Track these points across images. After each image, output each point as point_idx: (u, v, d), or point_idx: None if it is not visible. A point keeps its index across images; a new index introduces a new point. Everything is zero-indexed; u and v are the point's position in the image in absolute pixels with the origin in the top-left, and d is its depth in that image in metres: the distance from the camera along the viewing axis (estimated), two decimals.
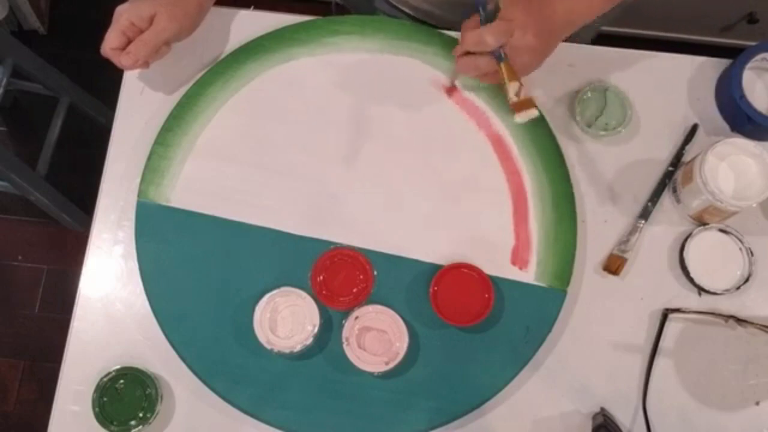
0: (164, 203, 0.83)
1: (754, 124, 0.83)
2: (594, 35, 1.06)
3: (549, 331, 0.79)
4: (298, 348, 0.76)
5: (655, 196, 0.84)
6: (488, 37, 0.73)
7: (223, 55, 0.88)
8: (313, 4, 1.65)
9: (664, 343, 0.80)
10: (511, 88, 0.75)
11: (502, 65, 0.74)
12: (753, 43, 0.85)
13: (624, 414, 0.78)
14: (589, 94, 0.86)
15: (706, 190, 0.77)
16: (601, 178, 0.85)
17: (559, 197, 0.82)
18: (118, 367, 0.77)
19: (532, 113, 0.76)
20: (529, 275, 0.81)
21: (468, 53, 0.76)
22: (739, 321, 0.79)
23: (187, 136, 0.85)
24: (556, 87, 0.87)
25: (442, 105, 0.86)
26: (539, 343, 0.79)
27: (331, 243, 0.82)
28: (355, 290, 0.80)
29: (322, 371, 0.78)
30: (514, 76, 0.75)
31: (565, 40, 0.88)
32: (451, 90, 0.86)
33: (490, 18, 0.74)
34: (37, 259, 1.70)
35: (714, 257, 0.81)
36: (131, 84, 0.88)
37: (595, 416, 0.78)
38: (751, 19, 1.56)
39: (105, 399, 0.76)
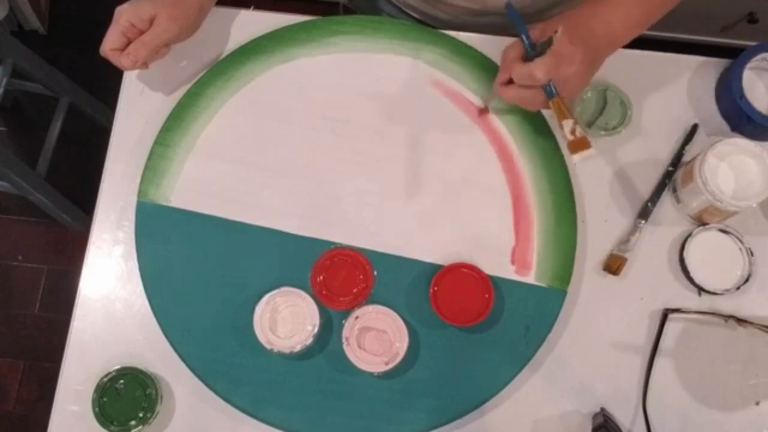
0: (164, 203, 0.83)
1: (754, 124, 0.83)
2: None
3: (549, 331, 0.79)
4: (298, 348, 0.76)
5: (655, 196, 0.84)
6: (539, 73, 0.71)
7: (223, 55, 0.88)
8: (317, 5, 1.65)
9: (664, 343, 0.80)
10: (566, 125, 0.72)
11: (555, 101, 0.72)
12: (753, 43, 0.85)
13: (624, 414, 0.78)
14: (589, 94, 0.86)
15: (706, 190, 0.77)
16: (601, 178, 0.85)
17: (559, 197, 0.82)
18: (118, 367, 0.77)
19: (589, 153, 0.72)
20: (529, 275, 0.81)
21: (511, 81, 0.75)
22: (739, 321, 0.79)
23: (187, 136, 0.85)
24: None
25: (443, 105, 0.86)
26: (539, 343, 0.79)
27: (331, 243, 0.82)
28: (355, 290, 0.80)
29: (322, 371, 0.78)
30: (568, 113, 0.72)
31: None
32: (483, 112, 0.85)
33: (536, 49, 0.72)
34: (37, 259, 1.70)
35: (714, 257, 0.81)
36: (131, 84, 0.88)
37: (595, 416, 0.78)
38: (751, 19, 1.56)
39: (105, 399, 0.76)
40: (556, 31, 0.71)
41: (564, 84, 0.72)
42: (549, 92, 0.72)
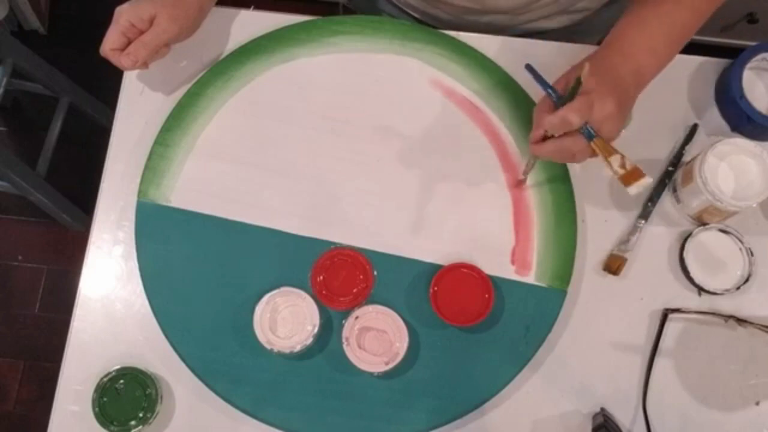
0: (164, 203, 0.83)
1: (754, 124, 0.83)
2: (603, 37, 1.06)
3: (549, 331, 0.79)
4: (298, 348, 0.76)
5: (655, 196, 0.84)
6: (573, 116, 0.67)
7: (223, 55, 0.88)
8: (317, 5, 1.65)
9: (664, 343, 0.80)
10: (614, 161, 0.70)
11: (595, 142, 0.69)
12: (753, 43, 0.85)
13: (624, 414, 0.78)
14: None
15: (706, 190, 0.77)
16: (601, 178, 0.85)
17: (559, 197, 0.82)
18: (118, 367, 0.77)
19: (645, 182, 0.69)
20: (529, 275, 0.81)
21: (547, 138, 0.72)
22: (739, 321, 0.79)
23: (187, 136, 0.85)
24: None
25: (443, 105, 0.86)
26: (539, 343, 0.79)
27: (331, 243, 0.82)
28: (355, 290, 0.80)
29: (322, 371, 0.78)
30: (612, 149, 0.70)
31: (568, 41, 0.88)
32: (520, 183, 0.83)
33: (565, 98, 0.70)
34: (37, 259, 1.70)
35: (714, 257, 0.81)
36: (131, 84, 0.88)
37: (595, 416, 0.78)
38: (751, 19, 1.56)
39: (105, 399, 0.76)
40: (582, 69, 0.68)
41: (601, 125, 0.69)
42: (588, 134, 0.69)
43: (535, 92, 0.86)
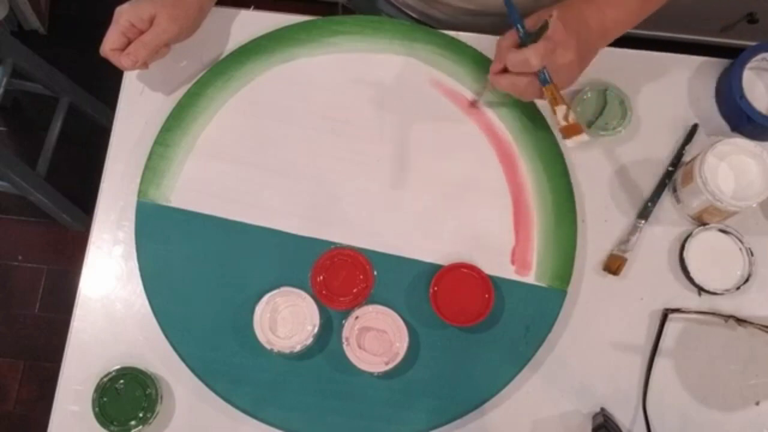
0: (164, 203, 0.83)
1: (754, 124, 0.83)
2: None
3: (549, 331, 0.79)
4: (298, 348, 0.76)
5: (655, 196, 0.84)
6: (534, 59, 0.70)
7: (223, 55, 0.88)
8: (317, 5, 1.65)
9: (664, 343, 0.80)
10: (559, 111, 0.73)
11: (548, 88, 0.72)
12: (753, 43, 0.85)
13: (624, 414, 0.78)
14: (589, 94, 0.86)
15: (706, 190, 0.77)
16: (601, 178, 0.85)
17: (559, 197, 0.82)
18: (118, 367, 0.77)
19: (583, 138, 0.73)
20: (529, 275, 0.81)
21: (506, 71, 0.75)
22: (739, 321, 0.79)
23: (187, 136, 0.85)
24: None
25: (443, 105, 0.86)
26: (539, 343, 0.79)
27: (331, 243, 0.82)
28: (355, 290, 0.80)
29: (322, 371, 0.78)
30: (561, 99, 0.73)
31: None
32: (473, 104, 0.85)
33: (531, 37, 0.73)
34: (37, 259, 1.70)
35: (714, 257, 0.81)
36: (131, 84, 0.88)
37: (595, 416, 0.78)
38: (751, 19, 1.56)
39: (105, 399, 0.76)
40: (550, 16, 0.71)
41: (557, 72, 0.72)
42: (543, 79, 0.72)
43: None
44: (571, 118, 0.73)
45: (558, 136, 0.84)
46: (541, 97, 0.74)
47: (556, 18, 0.71)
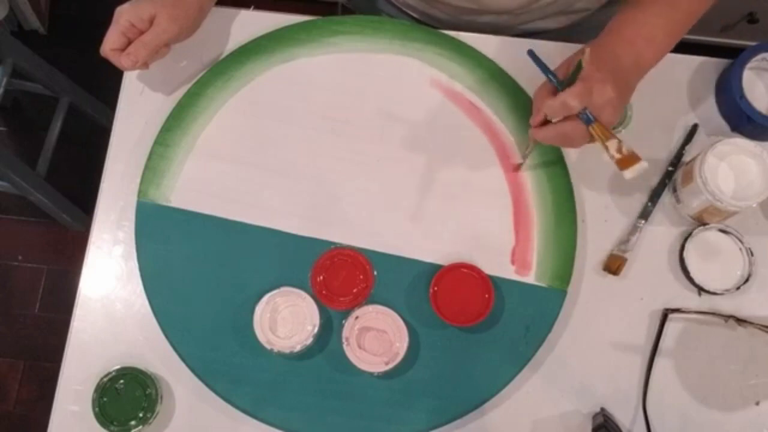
0: (164, 203, 0.83)
1: (754, 124, 0.83)
2: None
3: (549, 331, 0.79)
4: (298, 348, 0.76)
5: (655, 196, 0.84)
6: (572, 100, 0.69)
7: (223, 55, 0.88)
8: (317, 5, 1.65)
9: (664, 343, 0.80)
10: (611, 146, 0.71)
11: (594, 127, 0.70)
12: (753, 43, 0.85)
13: (624, 414, 0.78)
14: None
15: (706, 190, 0.77)
16: (601, 178, 0.85)
17: (559, 197, 0.82)
18: (118, 367, 0.77)
19: (641, 167, 0.70)
20: (529, 275, 0.81)
21: (546, 123, 0.73)
22: (739, 321, 0.79)
23: (187, 136, 0.85)
24: None
25: (442, 105, 0.86)
26: (539, 343, 0.79)
27: (331, 243, 0.82)
28: (355, 290, 0.80)
29: (322, 371, 0.78)
30: (610, 134, 0.70)
31: (567, 41, 0.88)
32: (517, 168, 0.83)
33: (565, 83, 0.71)
34: (37, 259, 1.70)
35: (714, 257, 0.81)
36: (131, 84, 0.88)
37: (595, 416, 0.78)
38: (751, 19, 1.56)
39: (105, 399, 0.76)
40: (583, 54, 0.69)
41: (600, 110, 0.70)
42: (586, 119, 0.70)
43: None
44: (625, 150, 0.70)
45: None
46: (591, 140, 0.72)
47: (589, 57, 0.69)
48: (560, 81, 0.73)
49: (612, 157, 0.71)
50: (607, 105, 0.70)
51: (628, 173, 0.70)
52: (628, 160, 0.70)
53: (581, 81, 0.69)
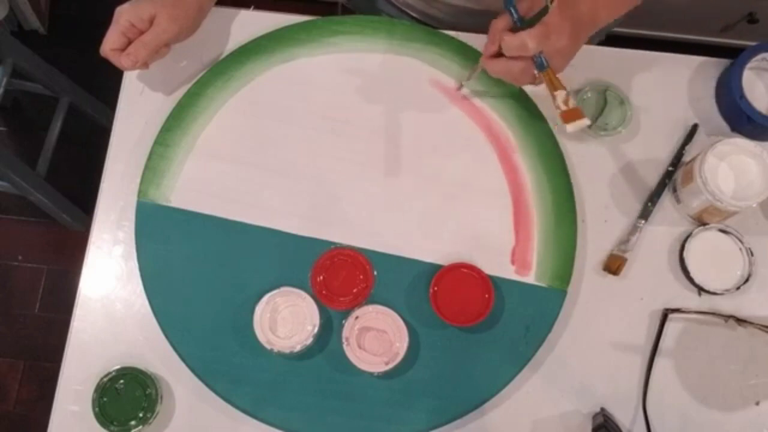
0: (164, 203, 0.83)
1: (754, 124, 0.83)
2: (603, 38, 1.07)
3: (549, 331, 0.79)
4: (298, 348, 0.76)
5: (655, 196, 0.84)
6: (531, 42, 0.70)
7: (223, 55, 0.88)
8: (317, 5, 1.65)
9: (664, 343, 0.80)
10: (559, 96, 0.72)
11: (546, 73, 0.71)
12: (753, 43, 0.85)
13: (624, 414, 0.78)
14: (589, 94, 0.86)
15: (706, 190, 0.77)
16: (601, 178, 0.85)
17: (559, 197, 0.82)
18: (118, 367, 0.77)
19: (583, 123, 0.72)
20: (529, 275, 0.81)
21: (499, 55, 0.74)
22: (739, 321, 0.79)
23: (187, 136, 0.85)
24: None
25: (443, 105, 0.86)
26: (539, 343, 0.79)
27: (331, 243, 0.82)
28: (355, 290, 0.80)
29: (322, 371, 0.78)
30: (560, 83, 0.72)
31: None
32: (457, 89, 0.85)
33: (526, 21, 0.72)
34: (37, 259, 1.70)
35: (714, 257, 0.81)
36: (131, 84, 0.88)
37: (595, 416, 0.78)
38: (751, 19, 1.56)
39: (105, 399, 0.76)
40: (550, 2, 0.70)
41: (552, 57, 0.71)
42: (540, 64, 0.71)
43: (536, 92, 0.86)
44: (571, 103, 0.72)
45: (556, 134, 0.84)
46: (534, 82, 0.73)
47: (557, 3, 0.70)
48: (520, 17, 0.73)
49: (557, 107, 0.72)
50: (560, 52, 0.72)
51: (570, 127, 0.72)
52: (572, 113, 0.72)
53: (543, 24, 0.70)
